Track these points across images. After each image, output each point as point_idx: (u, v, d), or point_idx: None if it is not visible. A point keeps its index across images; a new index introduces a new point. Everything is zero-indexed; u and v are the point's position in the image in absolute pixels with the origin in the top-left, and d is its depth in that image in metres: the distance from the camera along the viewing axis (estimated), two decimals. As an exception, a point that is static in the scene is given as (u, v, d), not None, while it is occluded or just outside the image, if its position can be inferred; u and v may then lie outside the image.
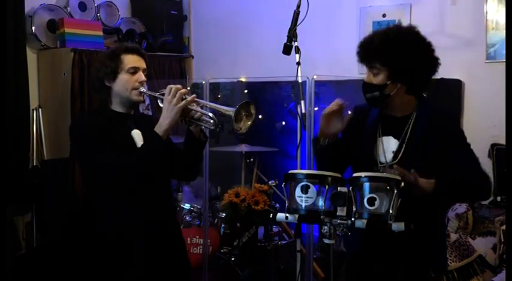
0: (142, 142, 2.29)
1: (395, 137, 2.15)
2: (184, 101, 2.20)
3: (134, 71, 2.31)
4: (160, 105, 2.30)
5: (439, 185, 1.97)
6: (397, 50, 2.05)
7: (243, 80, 4.55)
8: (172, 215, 2.54)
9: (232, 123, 2.16)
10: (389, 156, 2.14)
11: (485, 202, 3.53)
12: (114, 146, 2.22)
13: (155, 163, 2.22)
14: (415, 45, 2.08)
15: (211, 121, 2.23)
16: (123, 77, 2.30)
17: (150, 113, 4.01)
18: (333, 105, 2.12)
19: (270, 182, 3.74)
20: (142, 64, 2.35)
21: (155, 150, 2.21)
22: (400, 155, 2.11)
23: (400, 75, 2.07)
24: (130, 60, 2.32)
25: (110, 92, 2.34)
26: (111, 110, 2.35)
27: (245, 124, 2.23)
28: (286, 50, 2.44)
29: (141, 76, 2.31)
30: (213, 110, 2.27)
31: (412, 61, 2.06)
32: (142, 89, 2.31)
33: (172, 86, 2.24)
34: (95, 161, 2.24)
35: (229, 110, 2.18)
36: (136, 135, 2.32)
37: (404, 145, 2.12)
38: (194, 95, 2.24)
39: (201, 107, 2.28)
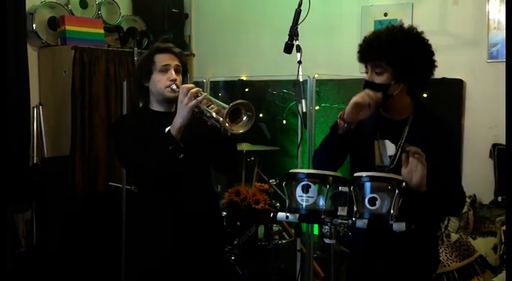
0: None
1: (392, 141, 2.14)
2: (194, 101, 2.23)
3: (165, 69, 2.39)
4: None
5: (428, 192, 1.95)
6: (404, 49, 2.04)
7: (244, 78, 4.54)
8: (212, 205, 2.58)
9: (224, 122, 2.17)
10: (387, 160, 2.13)
11: (486, 202, 3.52)
12: (148, 145, 2.28)
13: (169, 162, 2.26)
14: (420, 45, 2.08)
15: (220, 119, 2.23)
16: (155, 77, 2.40)
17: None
18: (365, 96, 2.03)
19: (270, 181, 3.73)
20: (173, 62, 2.41)
21: (167, 149, 2.24)
22: (396, 160, 2.09)
23: (404, 75, 2.05)
24: (161, 59, 2.40)
25: (148, 92, 2.44)
26: (150, 110, 2.45)
27: (243, 127, 2.25)
28: (288, 48, 2.44)
29: (171, 74, 2.38)
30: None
31: (416, 61, 2.05)
32: (174, 86, 2.37)
33: (184, 85, 2.30)
34: (126, 160, 2.42)
35: (225, 108, 2.19)
36: None
37: (400, 150, 2.11)
38: (205, 94, 2.27)
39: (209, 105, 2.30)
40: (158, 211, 2.42)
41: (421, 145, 2.04)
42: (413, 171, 1.90)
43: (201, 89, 2.30)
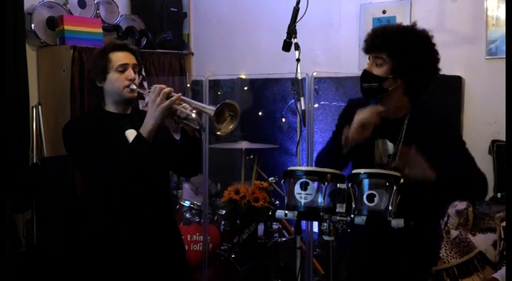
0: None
1: (390, 141, 2.14)
2: (168, 101, 2.15)
3: (123, 68, 2.27)
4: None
5: (439, 176, 1.96)
6: (407, 45, 2.05)
7: (243, 77, 4.54)
8: (169, 214, 2.49)
9: (212, 122, 2.10)
10: (386, 159, 2.13)
11: (486, 199, 3.52)
12: (105, 147, 2.19)
13: (140, 164, 2.18)
14: (425, 46, 2.08)
15: (196, 121, 2.19)
16: (112, 76, 2.27)
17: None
18: (371, 116, 2.02)
19: (269, 179, 3.73)
20: (131, 60, 2.30)
21: (139, 151, 2.16)
22: (395, 158, 2.09)
23: (403, 72, 2.05)
24: (119, 57, 2.28)
25: (103, 92, 2.31)
26: (104, 111, 2.33)
27: (227, 126, 2.16)
28: (286, 46, 2.43)
29: (130, 73, 2.27)
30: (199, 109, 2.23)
31: (418, 60, 2.05)
32: (133, 87, 2.27)
33: (157, 85, 2.19)
34: (84, 164, 2.24)
35: (210, 109, 2.12)
36: (130, 135, 2.27)
37: (398, 148, 2.11)
38: (179, 94, 2.19)
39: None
40: (118, 221, 2.30)
41: (419, 141, 2.05)
42: (413, 166, 1.91)
43: (173, 89, 2.20)
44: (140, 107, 3.38)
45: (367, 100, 2.16)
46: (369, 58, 2.13)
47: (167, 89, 2.18)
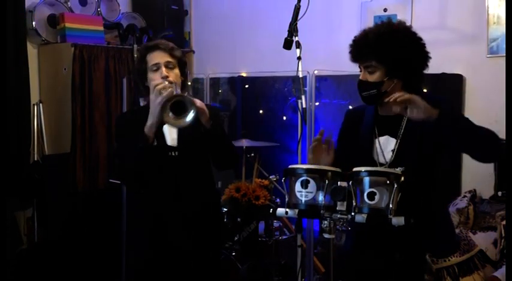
0: (173, 135, 2.40)
1: (392, 136, 2.14)
2: (160, 98, 2.21)
3: (156, 68, 2.39)
4: None
5: (443, 114, 1.94)
6: (392, 45, 2.05)
7: (244, 74, 4.54)
8: (210, 205, 2.56)
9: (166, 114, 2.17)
10: (388, 155, 2.13)
11: (486, 197, 3.52)
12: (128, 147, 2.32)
13: (142, 163, 2.28)
14: (408, 39, 2.09)
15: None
16: (150, 77, 2.40)
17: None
18: (314, 140, 2.12)
19: (270, 177, 3.74)
20: (163, 58, 2.39)
21: (136, 145, 2.26)
22: (399, 153, 2.10)
23: (396, 71, 2.07)
24: (151, 58, 2.41)
25: (149, 91, 2.41)
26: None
27: (180, 121, 2.20)
28: (287, 44, 2.44)
29: (162, 71, 2.37)
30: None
31: (406, 56, 2.06)
32: (166, 83, 2.33)
33: (153, 84, 2.29)
34: (114, 150, 2.50)
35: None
36: (168, 129, 2.40)
37: (401, 142, 2.12)
38: (170, 89, 2.24)
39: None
40: (151, 210, 2.42)
41: (421, 133, 2.07)
42: (413, 106, 1.92)
43: (168, 85, 2.28)
44: (141, 103, 3.39)
45: (370, 105, 2.20)
46: (359, 66, 2.15)
47: (160, 86, 2.26)
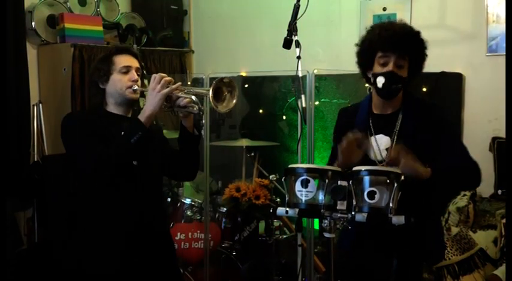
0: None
1: (386, 134, 2.16)
2: (168, 88, 2.19)
3: (126, 70, 2.32)
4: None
5: (434, 172, 1.98)
6: (420, 47, 2.13)
7: (244, 74, 4.54)
8: (160, 215, 2.49)
9: (212, 102, 2.13)
10: (383, 154, 2.15)
11: (486, 195, 3.53)
12: (99, 141, 2.21)
13: (135, 150, 2.20)
14: (425, 45, 2.17)
15: (196, 106, 2.21)
16: (115, 77, 2.31)
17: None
18: (348, 143, 2.05)
19: (270, 177, 3.74)
20: (134, 63, 2.35)
21: (134, 134, 2.18)
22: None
23: (415, 72, 2.14)
24: (122, 60, 2.33)
25: (104, 94, 2.35)
26: (105, 111, 2.35)
27: (228, 103, 2.19)
28: (287, 44, 2.44)
29: (133, 75, 2.31)
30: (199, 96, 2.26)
31: (423, 58, 2.15)
32: (136, 87, 2.31)
33: (156, 74, 2.24)
34: (78, 153, 2.26)
35: (207, 90, 2.16)
36: None
37: (396, 141, 2.13)
38: (179, 83, 2.23)
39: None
40: (107, 219, 2.31)
41: (414, 132, 2.10)
42: (403, 165, 1.93)
43: (173, 80, 2.25)
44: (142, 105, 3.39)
45: (388, 99, 2.18)
46: (380, 57, 2.12)
47: (168, 78, 2.22)
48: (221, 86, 2.17)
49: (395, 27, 2.14)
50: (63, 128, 2.36)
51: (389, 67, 2.09)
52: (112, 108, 2.35)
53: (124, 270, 2.30)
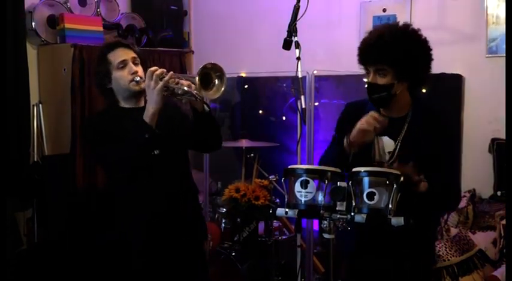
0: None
1: (390, 138, 2.15)
2: (162, 82, 2.19)
3: (124, 64, 2.34)
4: None
5: (429, 189, 1.99)
6: (406, 49, 2.06)
7: (243, 75, 4.54)
8: (188, 194, 2.53)
9: (199, 89, 2.14)
10: (386, 156, 2.14)
11: (486, 196, 3.53)
12: (119, 140, 2.24)
13: (146, 149, 2.24)
14: (420, 43, 2.11)
15: (194, 92, 2.21)
16: (116, 75, 2.35)
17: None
18: (371, 123, 2.03)
19: (270, 177, 3.74)
20: (129, 54, 2.37)
21: (142, 136, 2.21)
22: (395, 156, 2.11)
23: (407, 74, 2.08)
24: (116, 56, 2.35)
25: (113, 93, 2.40)
26: (120, 108, 2.41)
27: (218, 90, 2.21)
28: (286, 45, 2.44)
29: (131, 67, 2.33)
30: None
31: (418, 59, 2.08)
32: (138, 78, 2.33)
33: (148, 70, 2.24)
34: (97, 156, 2.39)
35: (193, 77, 2.17)
36: None
37: (399, 146, 2.12)
38: (171, 73, 2.23)
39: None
40: (133, 205, 2.41)
41: (419, 138, 2.08)
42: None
43: (165, 70, 2.25)
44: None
45: (379, 109, 2.17)
46: (366, 68, 2.12)
47: (158, 71, 2.22)
48: (208, 72, 2.19)
49: (369, 37, 2.11)
50: (82, 134, 2.53)
51: (369, 78, 2.10)
52: (123, 103, 2.41)
53: (156, 263, 2.38)
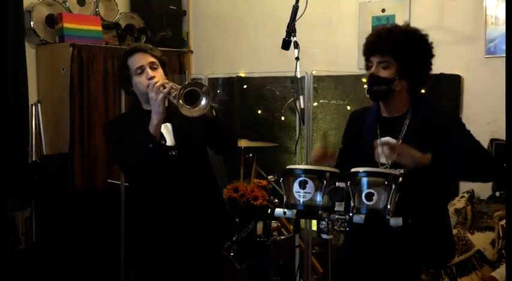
0: (170, 135, 2.40)
1: (392, 137, 2.15)
2: (162, 94, 2.23)
3: (141, 70, 2.39)
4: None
5: (435, 158, 1.97)
6: (412, 46, 2.09)
7: (242, 75, 4.54)
8: (211, 197, 2.55)
9: (181, 107, 2.16)
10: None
11: (484, 197, 3.53)
12: (138, 141, 2.28)
13: (152, 157, 2.27)
14: (425, 44, 2.14)
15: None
16: (135, 81, 2.40)
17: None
18: (316, 153, 2.12)
19: (268, 178, 3.73)
20: (146, 60, 2.40)
21: (146, 146, 2.24)
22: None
23: (407, 71, 2.10)
24: (134, 61, 2.40)
25: (136, 96, 2.46)
26: (142, 110, 2.45)
27: (200, 110, 2.20)
28: (285, 45, 2.44)
29: (148, 73, 2.37)
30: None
31: (421, 60, 2.12)
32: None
33: (150, 82, 2.31)
34: (115, 156, 2.48)
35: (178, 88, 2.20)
36: (165, 129, 2.38)
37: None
38: (170, 85, 2.26)
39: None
40: (153, 208, 2.43)
41: (421, 136, 2.08)
42: (402, 157, 1.94)
43: (167, 81, 2.29)
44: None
45: (376, 102, 2.19)
46: (369, 61, 2.14)
47: (158, 84, 2.26)
48: (197, 89, 2.19)
49: (382, 30, 2.14)
50: (106, 135, 2.71)
51: (371, 70, 2.11)
52: (146, 106, 2.44)
53: (175, 259, 2.40)
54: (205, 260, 2.50)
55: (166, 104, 2.29)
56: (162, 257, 2.41)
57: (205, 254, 2.49)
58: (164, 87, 2.24)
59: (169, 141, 2.40)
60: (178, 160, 2.39)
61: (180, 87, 2.21)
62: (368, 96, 2.16)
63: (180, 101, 2.15)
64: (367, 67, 2.17)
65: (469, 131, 2.19)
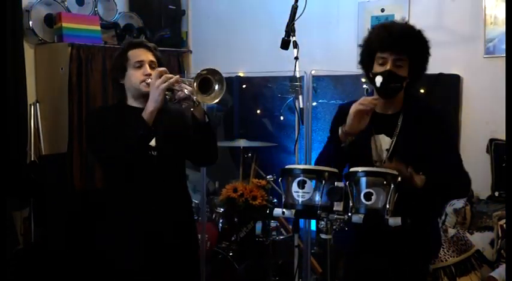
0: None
1: (387, 135, 2.16)
2: (167, 83, 2.21)
3: (140, 65, 2.37)
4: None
5: (428, 182, 2.00)
6: (421, 47, 2.12)
7: (241, 74, 4.54)
8: (183, 205, 2.53)
9: (196, 93, 2.15)
10: (384, 154, 2.15)
11: (483, 197, 3.53)
12: (119, 136, 2.25)
13: (140, 144, 2.25)
14: (427, 45, 2.16)
15: (194, 98, 2.21)
16: (130, 73, 2.38)
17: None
18: (367, 103, 2.05)
19: (267, 177, 3.73)
20: (148, 57, 2.40)
21: (137, 132, 2.22)
22: (394, 152, 2.12)
23: (416, 70, 2.12)
24: (135, 55, 2.39)
25: (124, 89, 2.43)
26: (127, 106, 2.43)
27: (216, 96, 2.20)
28: (284, 44, 2.44)
29: (146, 69, 2.36)
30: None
31: (426, 60, 2.15)
32: (149, 80, 2.33)
33: (157, 69, 2.28)
34: (95, 149, 2.38)
35: (191, 80, 2.18)
36: None
37: (396, 142, 2.13)
38: (177, 76, 2.25)
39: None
40: (129, 213, 2.38)
41: (415, 133, 2.10)
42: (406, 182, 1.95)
43: (173, 76, 2.27)
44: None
45: (386, 99, 2.17)
46: (376, 55, 2.12)
47: (169, 75, 2.25)
48: (208, 76, 2.18)
49: (394, 27, 2.14)
50: (85, 124, 2.52)
51: (387, 66, 2.09)
52: (131, 101, 2.43)
53: (148, 264, 2.36)
54: (178, 267, 2.45)
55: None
56: (138, 262, 2.37)
57: (179, 261, 2.45)
58: (170, 77, 2.23)
59: (152, 141, 2.37)
60: (157, 161, 2.36)
61: (187, 80, 2.22)
62: (378, 92, 2.14)
63: (195, 85, 2.13)
64: (370, 61, 2.15)
65: (455, 138, 2.23)
